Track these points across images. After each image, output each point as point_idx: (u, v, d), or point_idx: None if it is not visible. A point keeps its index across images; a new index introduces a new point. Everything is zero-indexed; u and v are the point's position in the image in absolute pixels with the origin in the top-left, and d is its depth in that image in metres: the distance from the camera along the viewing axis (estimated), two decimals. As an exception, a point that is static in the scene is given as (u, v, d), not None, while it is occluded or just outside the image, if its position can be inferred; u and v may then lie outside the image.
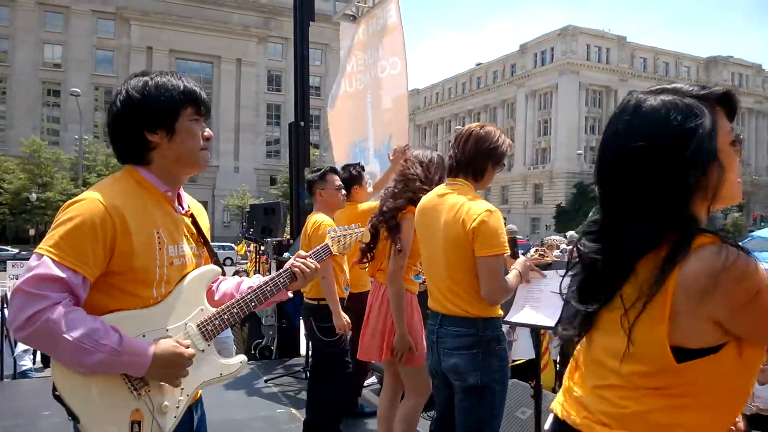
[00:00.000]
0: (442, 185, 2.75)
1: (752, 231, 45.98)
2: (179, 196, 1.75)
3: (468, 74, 77.27)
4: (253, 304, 1.74)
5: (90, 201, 1.50)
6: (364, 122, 6.47)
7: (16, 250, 31.59)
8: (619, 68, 63.09)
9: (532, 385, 3.23)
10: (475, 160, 2.62)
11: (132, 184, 1.62)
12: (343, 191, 4.17)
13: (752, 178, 61.85)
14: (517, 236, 2.95)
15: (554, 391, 5.51)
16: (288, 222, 7.44)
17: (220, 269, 1.79)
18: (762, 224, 45.12)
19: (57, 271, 1.41)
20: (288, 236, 7.37)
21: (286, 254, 5.75)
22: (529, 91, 65.63)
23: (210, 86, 55.34)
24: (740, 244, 1.10)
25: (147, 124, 1.60)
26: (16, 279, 2.54)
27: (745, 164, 62.94)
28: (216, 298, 1.85)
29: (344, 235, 2.13)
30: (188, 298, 1.67)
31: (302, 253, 1.90)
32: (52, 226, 1.50)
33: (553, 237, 23.05)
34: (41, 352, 1.62)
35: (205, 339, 1.66)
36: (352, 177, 4.53)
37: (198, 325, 1.65)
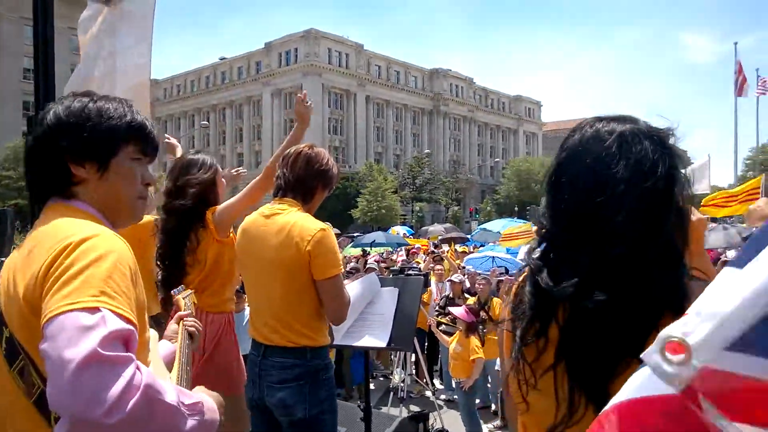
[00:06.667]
0: (268, 205, 2.58)
1: (468, 222, 53.26)
2: None
3: (212, 68, 74.68)
4: None
5: (106, 233, 1.16)
6: None
7: None
8: (357, 74, 67.35)
9: (361, 406, 3.13)
10: (305, 181, 2.54)
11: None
12: None
13: (467, 177, 71.84)
14: None
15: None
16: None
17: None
18: (475, 216, 52.73)
19: (124, 325, 1.04)
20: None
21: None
22: (274, 89, 66.17)
23: None
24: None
25: (74, 153, 1.25)
26: None
27: (461, 164, 72.90)
28: None
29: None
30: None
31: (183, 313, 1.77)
32: (71, 270, 1.07)
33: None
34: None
35: None
36: None
37: None
